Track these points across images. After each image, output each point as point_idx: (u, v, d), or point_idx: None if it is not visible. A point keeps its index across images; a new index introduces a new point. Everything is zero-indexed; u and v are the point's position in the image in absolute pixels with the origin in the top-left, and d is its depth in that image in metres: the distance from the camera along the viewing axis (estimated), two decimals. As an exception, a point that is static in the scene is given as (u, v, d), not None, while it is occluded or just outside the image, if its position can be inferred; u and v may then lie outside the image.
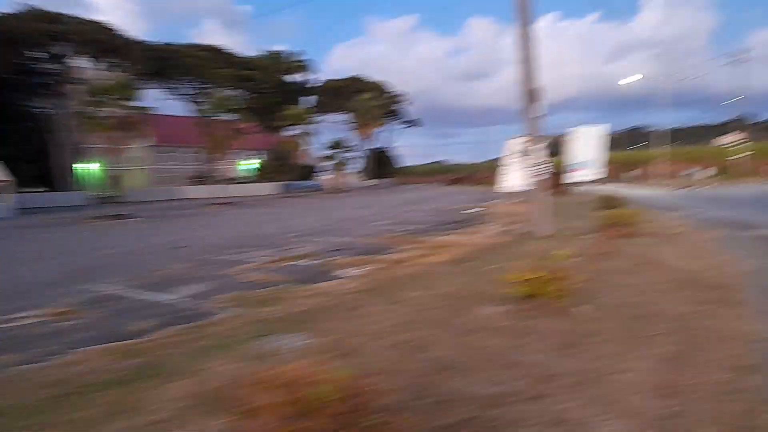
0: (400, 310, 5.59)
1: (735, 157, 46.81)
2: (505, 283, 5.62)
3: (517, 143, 12.63)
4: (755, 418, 3.10)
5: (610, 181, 47.00)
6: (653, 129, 49.41)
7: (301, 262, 9.78)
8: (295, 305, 6.23)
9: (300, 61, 70.67)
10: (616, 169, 57.31)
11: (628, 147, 73.51)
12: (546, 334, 4.55)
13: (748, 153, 47.05)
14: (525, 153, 11.69)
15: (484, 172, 57.60)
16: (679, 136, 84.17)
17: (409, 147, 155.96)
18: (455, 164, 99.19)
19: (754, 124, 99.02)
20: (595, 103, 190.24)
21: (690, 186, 38.24)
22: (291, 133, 54.84)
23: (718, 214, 17.15)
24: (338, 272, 8.54)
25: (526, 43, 11.53)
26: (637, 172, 55.62)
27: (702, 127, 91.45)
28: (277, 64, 67.78)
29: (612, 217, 11.36)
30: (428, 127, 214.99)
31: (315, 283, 7.59)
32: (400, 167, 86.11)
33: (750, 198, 25.81)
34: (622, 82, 44.89)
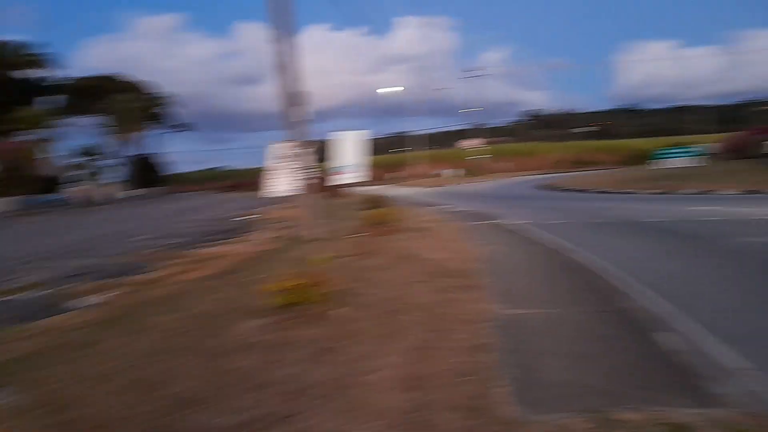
0: (143, 340, 4.83)
1: (477, 157, 55.23)
2: (265, 294, 5.32)
3: (280, 148, 12.52)
4: (485, 397, 3.35)
5: (375, 183, 51.30)
6: (411, 134, 55.21)
7: (22, 296, 8.01)
8: (4, 352, 4.93)
9: (35, 54, 59.50)
10: (381, 172, 62.71)
11: (391, 151, 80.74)
12: (303, 344, 4.37)
13: (486, 155, 55.95)
14: (290, 157, 11.62)
15: (261, 178, 56.95)
16: (434, 140, 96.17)
17: (181, 153, 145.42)
18: (232, 170, 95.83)
19: (492, 129, 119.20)
20: (362, 111, 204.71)
21: (443, 184, 43.62)
22: (26, 138, 46.07)
23: (464, 208, 19.81)
24: (73, 302, 7.17)
25: (287, 49, 11.43)
26: (399, 173, 61.33)
27: (453, 132, 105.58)
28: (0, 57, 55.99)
29: (375, 216, 12.04)
30: (203, 131, 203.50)
31: (38, 319, 6.20)
32: (171, 174, 79.47)
33: (488, 193, 30.65)
34: (381, 91, 48.88)
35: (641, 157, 50.67)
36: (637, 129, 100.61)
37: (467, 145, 61.14)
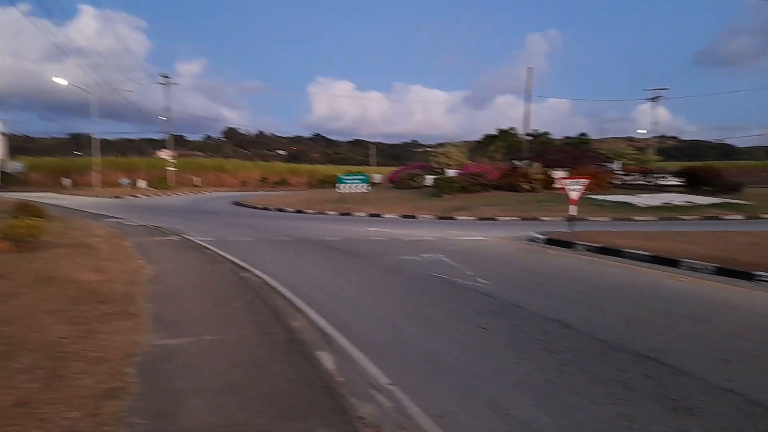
0: None
1: (169, 169, 51.41)
2: None
3: None
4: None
5: (42, 189, 42.85)
6: (93, 137, 47.85)
7: None
8: None
9: None
10: (57, 176, 52.76)
11: (70, 153, 68.89)
12: None
13: (175, 167, 52.66)
14: None
15: None
16: (120, 146, 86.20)
17: None
18: None
19: (188, 142, 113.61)
20: (30, 104, 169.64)
21: (128, 195, 39.01)
22: None
23: (144, 222, 17.85)
24: None
25: None
26: (79, 179, 52.61)
27: (145, 140, 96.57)
28: None
29: (16, 227, 9.55)
30: None
31: None
32: None
33: (174, 207, 28.61)
34: (57, 80, 41.14)
35: (327, 182, 55.94)
36: (324, 156, 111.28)
37: (161, 156, 56.76)
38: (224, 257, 10.50)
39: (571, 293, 7.00)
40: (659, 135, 52.05)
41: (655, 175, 29.83)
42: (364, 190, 24.62)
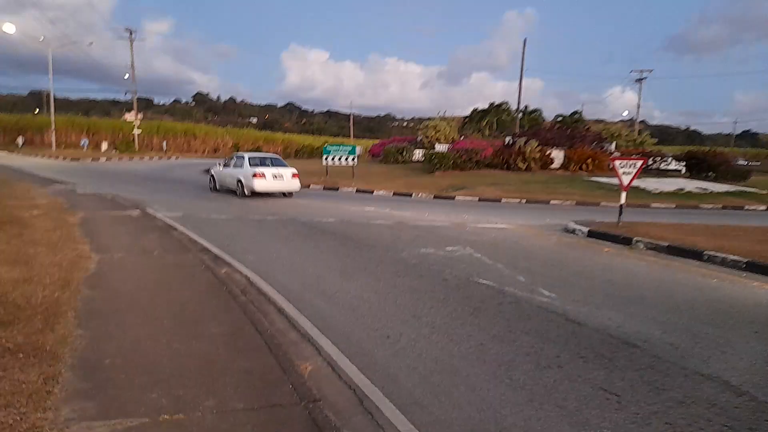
0: None
1: (137, 132, 47.78)
2: None
3: None
4: None
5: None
6: (55, 96, 43.80)
7: None
8: None
9: None
10: (14, 135, 48.28)
11: (31, 111, 63.80)
12: None
13: (142, 131, 49.04)
14: None
15: None
16: (83, 106, 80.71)
17: None
18: None
19: (157, 105, 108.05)
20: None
21: (84, 158, 35.72)
22: None
23: (104, 190, 15.31)
24: None
25: None
26: (33, 138, 48.53)
27: (109, 101, 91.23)
28: None
29: None
30: None
31: None
32: None
33: (141, 173, 25.82)
34: (5, 28, 36.99)
35: (305, 152, 53.07)
36: (297, 126, 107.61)
37: (126, 118, 52.85)
38: (195, 242, 8.30)
39: (690, 322, 5.01)
40: (630, 119, 50.79)
41: (656, 158, 28.38)
42: (352, 163, 22.37)
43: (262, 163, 15.88)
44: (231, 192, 16.25)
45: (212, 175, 17.56)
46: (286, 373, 3.55)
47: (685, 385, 3.59)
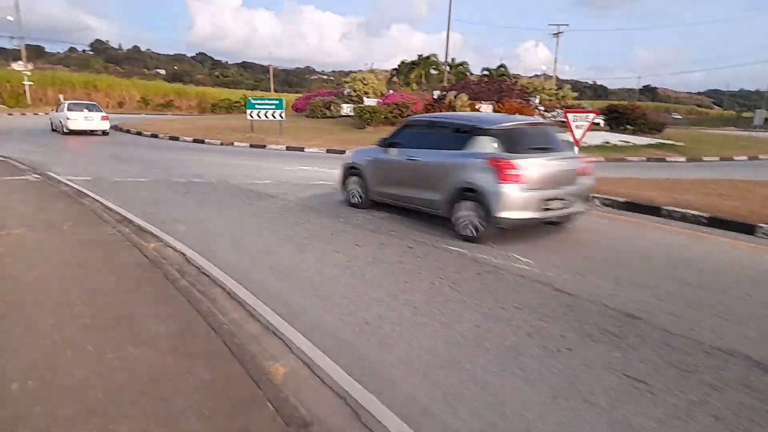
0: None
1: (23, 84, 42.45)
2: None
3: None
4: None
5: None
6: None
7: None
8: None
9: None
10: None
11: None
12: None
13: (34, 83, 43.73)
14: None
15: None
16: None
17: None
18: None
19: (45, 53, 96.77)
20: None
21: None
22: None
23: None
24: None
25: None
26: None
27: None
28: None
29: None
30: None
31: None
32: None
33: (28, 129, 22.77)
34: None
35: (222, 106, 49.91)
36: (211, 78, 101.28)
37: (15, 68, 46.79)
38: (113, 212, 7.13)
39: (681, 287, 4.68)
40: (543, 74, 52.15)
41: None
42: (279, 118, 20.97)
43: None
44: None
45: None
46: (259, 385, 2.82)
47: (710, 364, 3.28)
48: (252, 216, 7.35)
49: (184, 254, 5.35)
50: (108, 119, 21.38)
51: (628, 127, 26.33)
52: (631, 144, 20.91)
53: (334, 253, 5.58)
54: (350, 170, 8.02)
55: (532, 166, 5.86)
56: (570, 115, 9.92)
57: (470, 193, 6.02)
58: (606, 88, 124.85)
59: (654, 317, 3.97)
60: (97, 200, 7.86)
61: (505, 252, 5.68)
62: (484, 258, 5.44)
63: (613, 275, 4.99)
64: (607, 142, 20.92)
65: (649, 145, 21.24)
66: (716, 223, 7.10)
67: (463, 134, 6.44)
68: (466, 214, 6.09)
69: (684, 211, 7.50)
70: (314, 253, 5.56)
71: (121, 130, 24.53)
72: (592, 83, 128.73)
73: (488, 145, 6.10)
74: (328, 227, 6.73)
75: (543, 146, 6.35)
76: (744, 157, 20.22)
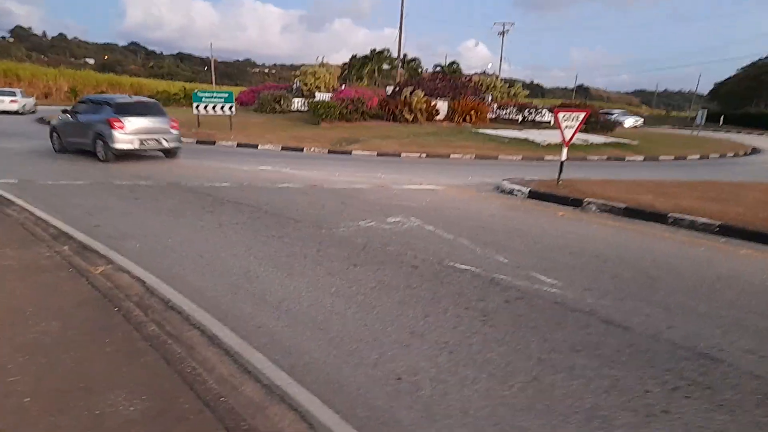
0: None
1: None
2: None
3: None
4: None
5: None
6: None
7: None
8: None
9: None
10: None
11: None
12: None
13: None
14: None
15: None
16: None
17: None
18: None
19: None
20: None
21: None
22: None
23: None
24: None
25: None
26: None
27: None
28: None
29: None
30: None
31: None
32: None
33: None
34: None
35: (158, 99, 47.01)
36: (145, 69, 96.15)
37: None
38: (47, 225, 5.95)
39: (729, 311, 4.19)
40: (484, 71, 52.66)
41: (531, 109, 29.26)
42: (229, 113, 19.58)
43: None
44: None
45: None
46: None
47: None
48: (217, 228, 6.34)
49: (143, 281, 4.36)
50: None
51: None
52: (590, 143, 20.99)
53: (328, 276, 4.74)
54: (53, 129, 13.17)
55: (130, 122, 11.28)
56: (560, 115, 9.40)
57: (100, 136, 11.39)
58: (542, 86, 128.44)
59: (733, 357, 3.41)
60: (27, 210, 6.62)
61: (523, 270, 5.02)
62: (502, 279, 4.76)
63: (655, 300, 4.42)
64: (566, 141, 20.95)
65: (606, 144, 21.43)
66: (730, 231, 6.71)
67: (99, 105, 11.93)
68: (99, 148, 11.49)
69: (692, 218, 7.10)
70: (305, 276, 4.70)
71: (48, 123, 22.23)
72: (530, 82, 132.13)
73: (109, 112, 11.37)
74: (309, 242, 5.85)
75: (143, 113, 11.66)
76: (696, 156, 20.73)
